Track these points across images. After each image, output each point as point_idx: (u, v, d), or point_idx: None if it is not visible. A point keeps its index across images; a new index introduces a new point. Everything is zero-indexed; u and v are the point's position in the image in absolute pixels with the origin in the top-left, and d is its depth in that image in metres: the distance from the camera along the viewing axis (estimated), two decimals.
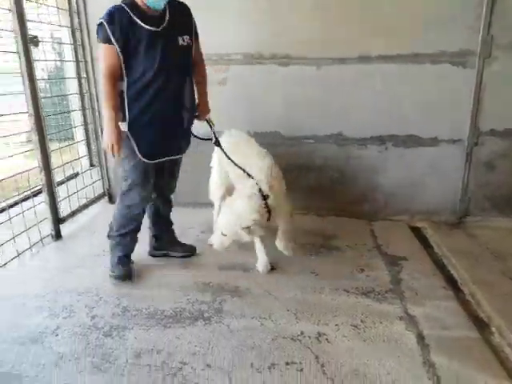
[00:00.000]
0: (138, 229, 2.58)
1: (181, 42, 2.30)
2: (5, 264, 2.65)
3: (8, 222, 2.76)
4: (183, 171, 2.73)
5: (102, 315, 2.18)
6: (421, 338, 2.00)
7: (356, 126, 3.31)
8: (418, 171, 3.33)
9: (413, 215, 3.42)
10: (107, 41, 2.15)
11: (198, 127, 2.66)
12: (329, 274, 2.60)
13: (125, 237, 2.54)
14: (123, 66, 2.20)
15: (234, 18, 3.22)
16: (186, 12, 2.38)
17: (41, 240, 2.99)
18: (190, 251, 2.83)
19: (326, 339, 2.00)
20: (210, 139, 2.66)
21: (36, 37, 2.87)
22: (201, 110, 2.62)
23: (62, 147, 3.40)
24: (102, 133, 3.00)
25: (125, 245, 2.56)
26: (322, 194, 3.47)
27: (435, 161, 3.29)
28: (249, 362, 1.84)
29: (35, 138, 2.96)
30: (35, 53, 2.97)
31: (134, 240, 2.61)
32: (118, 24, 2.14)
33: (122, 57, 2.17)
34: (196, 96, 2.57)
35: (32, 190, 3.18)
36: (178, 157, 2.58)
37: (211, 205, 3.10)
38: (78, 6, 3.43)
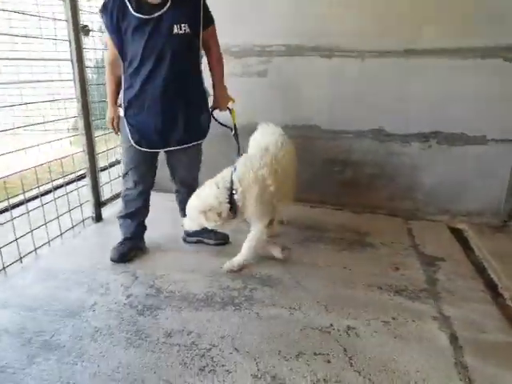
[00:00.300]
0: (137, 213, 2.64)
1: (176, 30, 2.28)
2: (49, 241, 2.78)
3: (53, 203, 2.89)
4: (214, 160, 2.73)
5: (137, 295, 2.25)
6: (454, 338, 1.94)
7: (398, 122, 3.22)
8: (461, 170, 3.21)
9: (453, 216, 3.30)
10: (106, 30, 2.33)
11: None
12: (362, 269, 2.56)
13: (124, 219, 2.66)
14: (119, 52, 2.32)
15: (277, 9, 3.20)
16: (193, 1, 2.34)
17: (82, 221, 3.12)
18: (223, 239, 2.85)
19: (356, 333, 1.97)
20: (230, 128, 2.64)
21: (87, 26, 2.98)
22: (217, 100, 2.59)
23: (106, 133, 3.53)
24: None
25: (124, 226, 2.67)
26: (358, 190, 3.42)
27: (481, 160, 3.16)
28: (276, 350, 1.85)
29: (81, 123, 3.09)
30: (85, 42, 3.11)
31: (135, 224, 2.66)
32: (110, 13, 2.26)
33: (117, 43, 2.31)
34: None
35: (76, 175, 3.35)
36: (177, 148, 2.51)
37: None
38: None
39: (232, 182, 2.39)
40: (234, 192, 2.38)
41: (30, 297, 2.21)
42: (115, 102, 2.49)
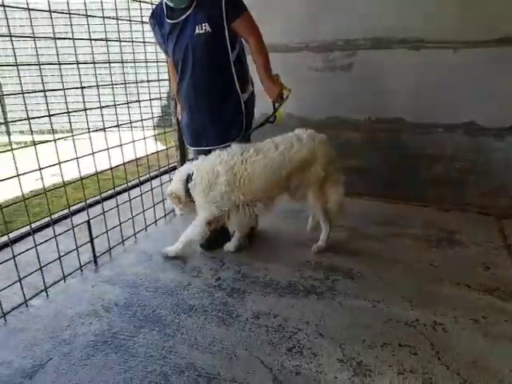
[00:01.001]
0: None
1: (197, 30, 2.35)
2: (146, 227, 3.07)
3: (149, 193, 3.17)
4: None
5: (225, 278, 2.42)
6: None
7: (492, 115, 3.06)
8: None
9: None
10: (155, 37, 2.61)
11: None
12: (449, 267, 2.49)
13: None
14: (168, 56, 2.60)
15: (362, 2, 3.20)
16: None
17: (173, 210, 3.37)
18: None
19: (443, 329, 1.95)
20: (271, 121, 2.56)
21: None
22: (266, 92, 2.51)
23: None
24: None
25: None
26: (446, 186, 3.31)
27: None
28: (360, 338, 1.90)
29: (174, 119, 3.35)
30: None
31: None
32: (154, 19, 2.50)
33: (164, 49, 2.58)
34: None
35: (169, 167, 3.63)
36: (212, 148, 2.55)
37: None
38: None
39: (192, 174, 2.50)
40: (191, 180, 2.49)
41: (132, 275, 2.48)
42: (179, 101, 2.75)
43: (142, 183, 3.13)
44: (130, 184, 3.09)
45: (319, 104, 3.22)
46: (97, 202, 2.95)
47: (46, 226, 2.87)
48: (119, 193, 3.16)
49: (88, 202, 2.65)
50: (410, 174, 3.37)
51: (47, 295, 2.30)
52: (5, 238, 2.49)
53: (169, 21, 2.44)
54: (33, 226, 2.53)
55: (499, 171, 3.15)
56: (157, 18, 2.48)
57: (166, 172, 3.60)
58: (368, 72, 3.31)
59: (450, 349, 1.81)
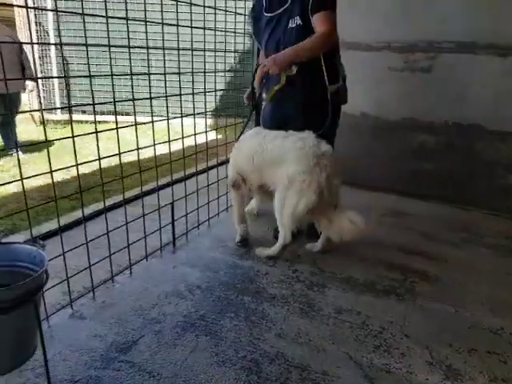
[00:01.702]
0: None
1: (290, 24, 2.40)
2: (218, 213, 3.16)
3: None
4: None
5: (302, 271, 2.47)
6: None
7: None
8: None
9: None
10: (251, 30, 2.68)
11: None
12: None
13: None
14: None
15: (449, 4, 3.14)
16: None
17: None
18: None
19: None
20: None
21: None
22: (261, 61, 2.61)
23: None
24: None
25: None
26: None
27: None
28: (446, 342, 1.91)
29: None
30: None
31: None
32: (254, 13, 2.59)
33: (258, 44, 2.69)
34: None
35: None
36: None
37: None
38: None
39: None
40: None
41: (210, 259, 2.56)
42: None
43: (210, 169, 3.17)
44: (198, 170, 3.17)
45: (396, 104, 3.19)
46: (168, 185, 3.01)
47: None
48: (188, 177, 3.25)
49: (160, 184, 2.66)
50: (485, 181, 3.31)
51: (131, 273, 2.41)
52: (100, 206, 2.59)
53: (266, 14, 2.51)
54: (126, 196, 2.52)
55: None
56: (256, 11, 2.54)
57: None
58: (448, 76, 3.25)
59: None
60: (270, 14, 2.49)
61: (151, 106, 2.49)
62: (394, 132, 2.99)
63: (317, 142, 2.38)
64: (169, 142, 2.52)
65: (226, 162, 3.52)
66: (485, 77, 3.13)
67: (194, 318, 2.03)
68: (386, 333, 1.96)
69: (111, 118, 5.26)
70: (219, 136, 3.28)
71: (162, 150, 2.63)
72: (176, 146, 2.73)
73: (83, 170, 2.28)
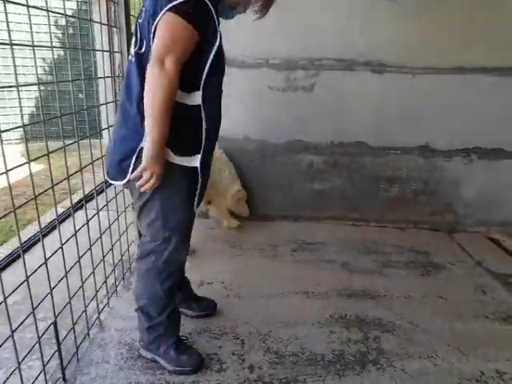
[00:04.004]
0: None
1: None
2: (108, 300, 2.26)
3: None
4: None
5: (259, 365, 1.92)
6: None
7: (443, 138, 3.22)
8: (499, 184, 3.32)
9: (489, 227, 3.43)
10: (197, 22, 1.41)
11: None
12: (455, 297, 2.50)
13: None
14: (208, 67, 1.50)
15: (328, 22, 2.98)
16: None
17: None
18: (208, 309, 2.24)
19: (510, 378, 1.91)
20: None
21: None
22: None
23: None
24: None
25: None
26: (402, 206, 3.38)
27: None
28: None
29: None
30: None
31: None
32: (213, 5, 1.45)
33: (212, 54, 1.50)
34: None
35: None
36: None
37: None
38: None
39: None
40: None
41: None
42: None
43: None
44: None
45: (281, 126, 2.90)
46: None
47: None
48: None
49: None
50: (371, 195, 3.35)
51: None
52: None
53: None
54: None
55: (447, 189, 3.35)
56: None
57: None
58: (331, 94, 3.12)
59: None
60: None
61: None
62: (282, 155, 2.69)
63: None
64: None
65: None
66: (364, 94, 3.11)
67: None
68: None
69: None
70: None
71: None
72: None
73: None
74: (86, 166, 1.96)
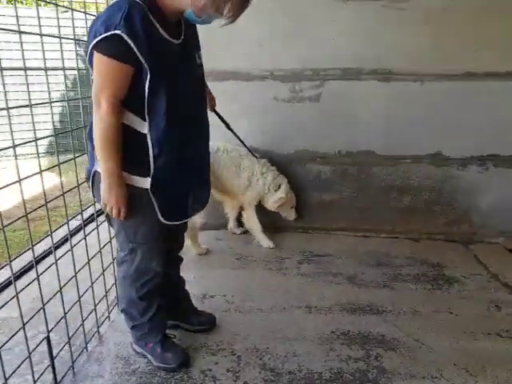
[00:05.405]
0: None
1: (197, 59, 1.72)
2: (108, 313, 2.29)
3: None
4: None
5: (252, 382, 1.88)
6: None
7: (456, 146, 3.11)
8: None
9: (508, 237, 3.27)
10: (121, 56, 1.42)
11: None
12: (466, 312, 2.39)
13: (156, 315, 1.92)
14: (147, 95, 1.50)
15: (333, 31, 2.95)
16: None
17: None
18: (207, 324, 2.21)
19: None
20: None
21: None
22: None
23: None
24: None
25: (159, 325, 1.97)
26: (415, 216, 3.28)
27: None
28: None
29: None
30: None
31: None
32: (141, 31, 1.41)
33: (148, 82, 1.47)
34: None
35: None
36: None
37: None
38: None
39: None
40: None
41: None
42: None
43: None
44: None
45: (287, 137, 2.87)
46: None
47: None
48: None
49: None
50: (382, 206, 3.26)
51: None
52: None
53: (170, 39, 1.54)
54: None
55: (462, 198, 3.23)
56: (144, 27, 1.42)
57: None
58: (337, 104, 3.07)
59: None
60: (175, 41, 1.57)
61: None
62: (289, 165, 2.66)
63: None
64: None
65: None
66: (372, 103, 3.05)
67: None
68: None
69: None
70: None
71: None
72: None
73: None
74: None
